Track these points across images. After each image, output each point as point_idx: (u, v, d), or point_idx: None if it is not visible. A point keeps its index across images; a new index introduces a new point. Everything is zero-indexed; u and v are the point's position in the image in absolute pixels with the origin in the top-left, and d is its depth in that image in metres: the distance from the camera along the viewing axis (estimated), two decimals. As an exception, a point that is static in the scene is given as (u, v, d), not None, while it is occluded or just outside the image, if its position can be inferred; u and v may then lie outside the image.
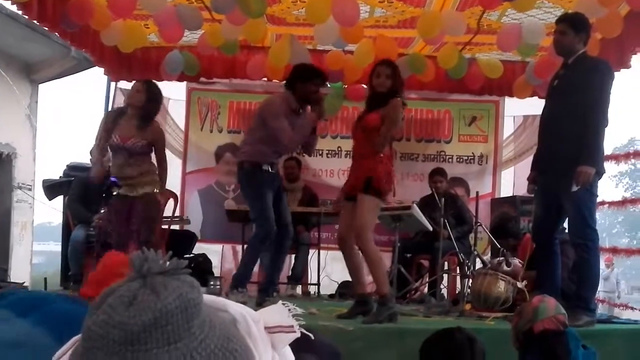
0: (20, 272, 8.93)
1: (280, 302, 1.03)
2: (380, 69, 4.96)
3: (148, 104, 5.52)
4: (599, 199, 5.20)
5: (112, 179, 5.50)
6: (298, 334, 0.95)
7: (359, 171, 4.83)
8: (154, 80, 6.04)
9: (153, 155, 5.66)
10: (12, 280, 7.43)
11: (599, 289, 5.83)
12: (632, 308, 7.78)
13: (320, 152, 8.73)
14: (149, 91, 5.56)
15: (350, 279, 7.78)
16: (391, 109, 4.82)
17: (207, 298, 0.83)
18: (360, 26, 6.80)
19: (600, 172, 4.75)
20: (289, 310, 0.99)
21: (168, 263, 0.75)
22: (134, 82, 5.72)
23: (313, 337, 2.23)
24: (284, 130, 5.30)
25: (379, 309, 4.65)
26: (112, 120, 5.57)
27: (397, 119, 4.85)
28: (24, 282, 7.20)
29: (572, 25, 4.87)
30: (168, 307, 0.71)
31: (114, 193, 5.50)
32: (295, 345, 2.17)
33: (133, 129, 5.44)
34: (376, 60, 7.03)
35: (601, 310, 7.21)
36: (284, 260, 5.88)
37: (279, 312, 0.98)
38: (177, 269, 0.75)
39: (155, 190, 5.48)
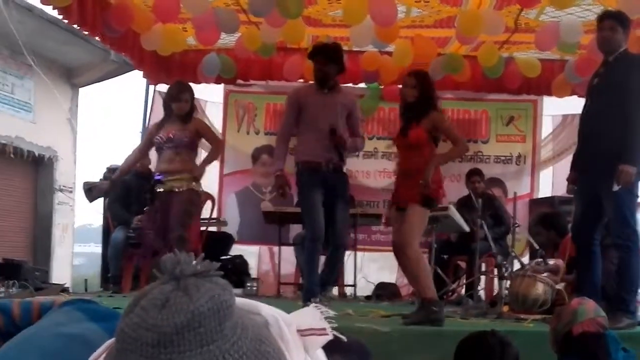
0: (61, 274, 9.08)
1: (313, 304, 1.03)
2: (405, 80, 5.02)
3: (191, 109, 5.67)
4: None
5: (157, 176, 5.56)
6: (331, 337, 0.95)
7: (409, 185, 4.83)
8: (180, 80, 6.18)
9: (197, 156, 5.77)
10: (53, 282, 7.55)
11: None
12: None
13: (357, 153, 8.70)
14: (192, 96, 5.70)
15: (386, 281, 7.85)
16: (439, 123, 4.89)
17: (240, 301, 0.83)
18: (396, 26, 6.78)
19: (641, 172, 4.67)
20: (322, 312, 0.99)
21: (200, 265, 0.76)
22: (178, 90, 5.70)
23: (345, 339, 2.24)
24: (282, 123, 5.50)
25: (419, 311, 4.62)
26: (157, 128, 5.69)
27: (450, 126, 5.01)
28: (65, 284, 7.32)
29: (621, 22, 4.79)
30: (200, 309, 0.71)
31: (158, 190, 5.54)
32: (326, 345, 2.17)
33: (176, 126, 5.53)
34: (414, 62, 7.05)
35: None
36: (333, 265, 5.74)
37: (311, 315, 0.98)
38: (209, 271, 0.75)
39: (194, 185, 5.52)
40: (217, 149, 6.02)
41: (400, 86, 5.12)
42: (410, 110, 4.93)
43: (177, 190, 5.45)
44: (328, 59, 5.38)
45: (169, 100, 5.63)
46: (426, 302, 4.60)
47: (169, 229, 5.43)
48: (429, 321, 4.46)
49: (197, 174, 5.55)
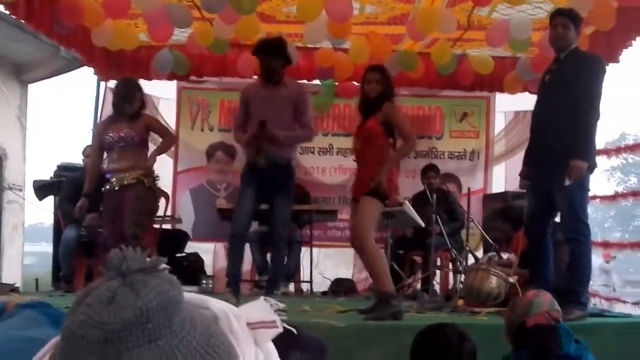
0: (11, 273, 8.89)
1: (262, 297, 1.02)
2: (369, 76, 5.01)
3: (142, 107, 5.61)
4: (590, 193, 5.19)
5: (107, 175, 5.49)
6: (281, 329, 0.94)
7: (363, 177, 4.89)
8: (129, 78, 6.11)
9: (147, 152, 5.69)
10: (3, 282, 7.39)
11: (598, 283, 5.85)
12: (624, 301, 7.81)
13: (312, 150, 8.72)
14: (142, 96, 5.65)
15: (342, 277, 7.87)
16: (391, 116, 4.87)
17: (188, 295, 0.82)
18: (349, 23, 6.79)
19: (592, 167, 4.76)
20: (271, 305, 0.98)
21: (147, 261, 0.74)
22: (126, 88, 5.64)
23: (297, 333, 2.23)
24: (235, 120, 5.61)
25: (381, 306, 4.63)
26: (104, 127, 5.61)
27: (402, 120, 5.00)
28: (15, 283, 7.17)
29: (573, 19, 4.86)
30: (148, 305, 0.70)
31: (107, 188, 5.47)
32: (280, 341, 2.16)
33: (125, 124, 5.45)
34: (369, 59, 7.07)
35: (601, 304, 7.23)
36: (277, 258, 5.82)
37: (261, 308, 0.97)
38: (156, 267, 0.74)
39: (145, 182, 5.45)
40: (169, 141, 5.96)
41: (360, 82, 5.13)
42: (370, 105, 4.95)
43: (126, 184, 5.37)
44: (271, 54, 5.39)
45: (120, 100, 5.54)
46: (384, 297, 4.63)
47: (123, 226, 5.35)
48: (390, 316, 4.48)
49: (148, 165, 5.49)
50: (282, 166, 5.49)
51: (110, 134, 5.45)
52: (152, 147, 5.82)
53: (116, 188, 5.40)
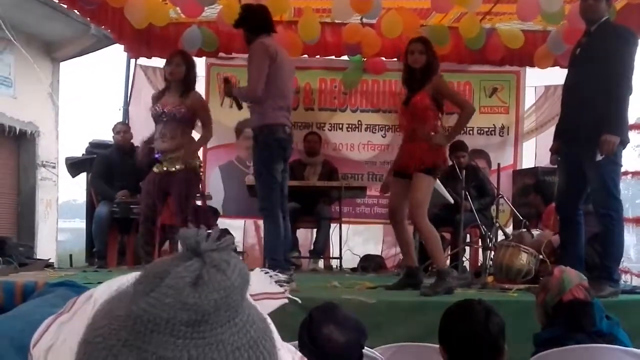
0: (46, 249, 9.04)
1: (258, 269, 1.03)
2: (412, 47, 5.02)
3: (188, 73, 5.59)
4: (622, 169, 5.14)
5: (156, 155, 5.53)
6: (286, 300, 0.96)
7: (413, 152, 4.90)
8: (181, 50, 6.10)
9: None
10: (38, 258, 7.53)
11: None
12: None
13: (340, 126, 8.71)
14: (187, 62, 5.64)
15: (371, 253, 7.89)
16: (442, 88, 4.98)
17: None
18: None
19: (624, 142, 4.70)
20: (271, 277, 1.00)
21: (220, 240, 0.75)
22: (171, 54, 5.70)
23: (336, 308, 2.25)
24: None
25: (436, 282, 4.74)
26: (157, 95, 5.64)
27: (455, 92, 5.27)
28: (49, 259, 7.30)
29: None
30: (235, 283, 0.71)
31: (156, 170, 5.51)
32: (321, 317, 2.19)
33: (174, 98, 5.47)
34: (399, 37, 7.01)
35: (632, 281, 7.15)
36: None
37: (260, 279, 0.98)
38: (229, 245, 0.74)
39: (190, 163, 5.47)
40: (208, 133, 5.81)
41: (404, 55, 5.10)
42: (415, 77, 4.96)
43: (172, 170, 5.41)
44: (237, 25, 5.30)
45: (165, 66, 5.61)
46: (442, 273, 4.78)
47: (163, 208, 5.42)
48: (445, 292, 4.63)
49: (188, 158, 5.47)
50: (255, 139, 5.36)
51: (157, 106, 5.47)
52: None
53: (161, 172, 5.43)
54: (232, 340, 0.72)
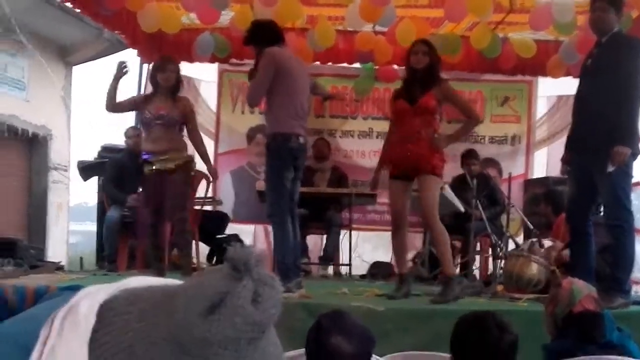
0: (57, 252, 9.08)
1: None
2: (417, 47, 5.05)
3: (177, 82, 5.65)
4: (634, 180, 5.12)
5: (144, 155, 5.54)
6: None
7: (421, 153, 4.90)
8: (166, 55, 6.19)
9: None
10: (49, 260, 7.56)
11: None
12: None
13: (352, 133, 8.73)
14: (178, 68, 5.71)
15: (381, 260, 7.88)
16: (450, 93, 5.09)
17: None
18: (390, 6, 6.75)
19: (635, 153, 4.68)
20: None
21: (257, 255, 0.76)
22: (164, 61, 5.74)
23: (344, 317, 2.25)
24: None
25: (445, 290, 4.76)
26: (143, 99, 5.69)
27: (462, 99, 5.38)
28: (60, 262, 7.33)
29: (612, 2, 4.77)
30: (280, 296, 0.73)
31: (148, 171, 5.53)
32: (328, 325, 2.19)
33: (165, 103, 5.51)
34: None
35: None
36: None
37: None
38: (264, 259, 0.75)
39: (185, 165, 5.51)
40: (199, 144, 5.81)
41: (406, 57, 5.13)
42: (418, 77, 4.97)
43: (169, 170, 5.44)
44: (251, 43, 5.30)
45: (154, 71, 5.64)
46: (449, 280, 4.83)
47: (165, 210, 5.43)
48: (455, 299, 4.69)
49: (209, 165, 5.77)
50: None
51: (150, 110, 5.50)
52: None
53: (158, 172, 5.46)
54: (272, 350, 0.75)
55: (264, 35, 5.21)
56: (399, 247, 5.17)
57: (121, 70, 5.58)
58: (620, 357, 2.77)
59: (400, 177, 5.02)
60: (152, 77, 5.70)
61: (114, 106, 5.61)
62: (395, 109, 5.10)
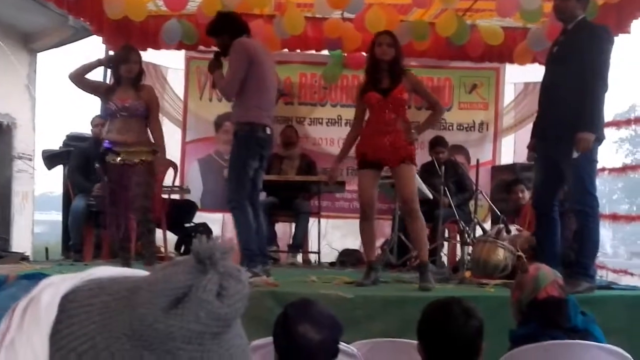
0: (22, 242, 8.96)
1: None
2: (381, 39, 5.04)
3: (140, 72, 5.57)
4: (599, 166, 5.19)
5: (106, 144, 5.45)
6: None
7: (396, 143, 4.94)
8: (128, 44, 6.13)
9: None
10: (14, 251, 7.46)
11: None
12: (631, 274, 7.81)
13: (320, 121, 8.71)
14: (140, 58, 5.62)
15: (350, 247, 7.90)
16: (418, 85, 5.23)
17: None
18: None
19: (600, 139, 4.74)
20: None
21: (224, 247, 0.74)
22: (127, 51, 5.63)
23: (311, 305, 2.24)
24: None
25: (427, 275, 4.82)
26: (106, 89, 5.60)
27: (429, 90, 5.54)
28: (25, 252, 7.23)
29: None
30: (247, 290, 0.72)
31: (112, 161, 5.44)
32: (295, 314, 2.18)
33: (129, 93, 5.43)
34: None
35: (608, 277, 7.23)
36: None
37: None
38: (231, 251, 0.73)
39: (150, 158, 5.45)
40: (161, 135, 5.64)
41: (369, 47, 5.14)
42: (385, 69, 4.99)
43: (132, 163, 5.37)
44: (214, 35, 5.30)
45: (117, 63, 5.53)
46: (426, 266, 4.91)
47: (128, 199, 5.37)
48: (434, 285, 4.80)
49: (164, 154, 5.59)
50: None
51: (115, 102, 5.42)
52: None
53: (121, 163, 5.38)
54: (239, 342, 0.74)
55: (229, 26, 5.18)
56: (367, 236, 5.18)
57: (107, 63, 5.60)
58: (584, 342, 2.80)
59: (370, 167, 5.03)
60: (115, 68, 5.59)
61: (80, 78, 5.50)
62: (367, 101, 5.08)
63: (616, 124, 8.42)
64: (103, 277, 0.77)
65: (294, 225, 7.70)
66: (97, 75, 6.34)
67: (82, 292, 0.74)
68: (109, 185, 5.54)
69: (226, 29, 5.17)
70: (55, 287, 0.75)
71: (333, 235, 8.28)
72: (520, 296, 3.02)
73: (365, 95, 5.08)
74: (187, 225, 7.60)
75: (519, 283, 3.09)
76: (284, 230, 8.12)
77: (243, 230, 5.07)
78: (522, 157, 7.16)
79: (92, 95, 5.70)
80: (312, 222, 7.56)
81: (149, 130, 5.51)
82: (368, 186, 5.06)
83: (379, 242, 6.49)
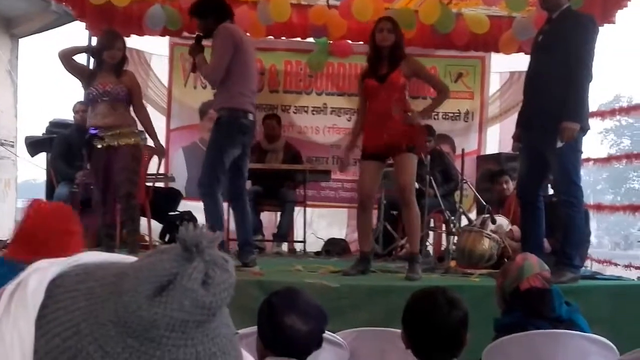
0: (4, 229, 8.88)
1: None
2: (382, 25, 5.00)
3: (123, 58, 5.52)
4: (583, 156, 5.19)
5: (91, 130, 5.40)
6: None
7: (395, 131, 4.87)
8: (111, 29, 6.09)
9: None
10: (-5, 238, 7.38)
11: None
12: (615, 264, 7.86)
13: (306, 109, 8.68)
14: (124, 44, 5.58)
15: (335, 237, 7.90)
16: (420, 69, 5.15)
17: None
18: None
19: (584, 128, 4.74)
20: None
21: (211, 235, 0.73)
22: (112, 37, 5.57)
23: (297, 294, 2.23)
24: None
25: (415, 266, 4.80)
26: (89, 74, 5.54)
27: (431, 73, 5.51)
28: (7, 240, 7.16)
29: None
30: (233, 279, 0.72)
31: (97, 146, 5.40)
32: (280, 303, 2.17)
33: (110, 78, 5.38)
34: (369, 20, 6.97)
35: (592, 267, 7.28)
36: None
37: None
38: (218, 239, 0.72)
39: (135, 141, 5.41)
40: (147, 121, 5.65)
41: (370, 34, 5.07)
42: (385, 55, 4.95)
43: (117, 146, 5.33)
44: (199, 16, 5.24)
45: (100, 48, 5.48)
46: (417, 256, 4.89)
47: (114, 185, 5.33)
48: (420, 275, 4.76)
49: (156, 140, 5.57)
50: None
51: (96, 86, 5.37)
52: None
53: (105, 147, 5.34)
54: (225, 332, 0.74)
55: (215, 9, 5.13)
56: (364, 227, 5.16)
57: (98, 56, 5.51)
58: (568, 331, 2.81)
59: (374, 157, 5.00)
60: (98, 53, 5.53)
61: (68, 58, 5.45)
62: (365, 89, 5.04)
63: (601, 114, 8.44)
64: (90, 262, 0.77)
65: (279, 214, 7.68)
66: (80, 61, 6.26)
67: (69, 278, 0.75)
68: (94, 171, 5.50)
69: (212, 12, 5.12)
70: (43, 272, 0.76)
71: (319, 224, 8.27)
72: (503, 283, 3.03)
73: (363, 83, 5.06)
74: (171, 213, 7.56)
75: (504, 270, 3.10)
76: (270, 219, 8.09)
77: (212, 218, 5.02)
78: (508, 147, 7.16)
79: (76, 78, 5.63)
80: (298, 211, 7.54)
81: (134, 116, 5.47)
82: (369, 177, 5.03)
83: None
